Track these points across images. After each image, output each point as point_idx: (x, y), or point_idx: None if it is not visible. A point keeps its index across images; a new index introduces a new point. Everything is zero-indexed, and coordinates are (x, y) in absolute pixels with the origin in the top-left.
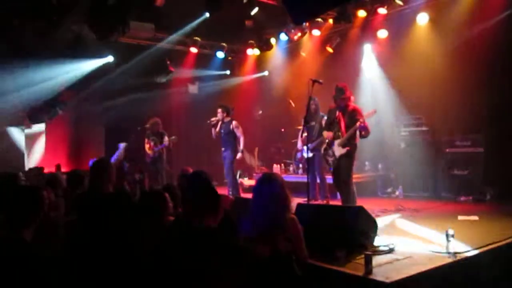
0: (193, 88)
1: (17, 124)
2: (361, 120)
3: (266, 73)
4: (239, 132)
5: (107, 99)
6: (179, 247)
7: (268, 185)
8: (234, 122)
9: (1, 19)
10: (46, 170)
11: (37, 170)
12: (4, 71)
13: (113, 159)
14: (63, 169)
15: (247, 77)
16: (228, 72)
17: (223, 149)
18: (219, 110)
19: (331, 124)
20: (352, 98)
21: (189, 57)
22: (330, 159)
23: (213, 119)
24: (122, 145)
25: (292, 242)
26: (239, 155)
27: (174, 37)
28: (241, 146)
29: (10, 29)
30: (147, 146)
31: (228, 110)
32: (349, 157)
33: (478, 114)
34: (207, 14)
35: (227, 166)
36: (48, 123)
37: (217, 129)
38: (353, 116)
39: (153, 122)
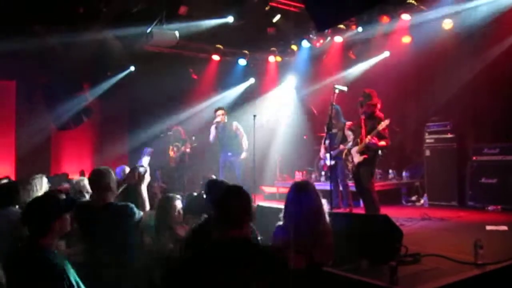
0: (216, 96)
1: (43, 129)
2: (369, 137)
3: (292, 79)
4: (241, 132)
5: (131, 106)
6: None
7: (307, 193)
8: (235, 123)
9: (24, 25)
10: (70, 176)
11: (63, 176)
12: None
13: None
14: (87, 175)
15: (269, 84)
16: (252, 80)
17: (229, 153)
18: (221, 112)
19: (356, 129)
20: (379, 105)
21: (212, 65)
22: (350, 165)
23: (216, 120)
24: (147, 150)
25: (325, 252)
26: (244, 154)
27: (197, 44)
28: (246, 146)
29: (33, 36)
30: (171, 153)
31: (227, 112)
32: (367, 165)
33: (507, 121)
34: (231, 18)
35: (239, 172)
36: (74, 130)
37: (216, 132)
38: (375, 124)
39: (175, 129)
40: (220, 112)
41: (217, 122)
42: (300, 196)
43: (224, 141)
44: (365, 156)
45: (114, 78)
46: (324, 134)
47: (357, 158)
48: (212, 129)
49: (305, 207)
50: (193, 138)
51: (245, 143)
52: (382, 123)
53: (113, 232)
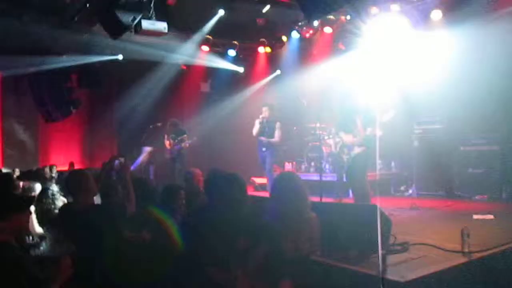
0: (205, 87)
1: (31, 121)
2: (369, 129)
3: (278, 72)
4: (278, 133)
5: (120, 97)
6: None
7: (291, 183)
8: (278, 123)
9: (11, 14)
10: (58, 168)
11: (50, 168)
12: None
13: (135, 164)
14: (77, 167)
15: (260, 77)
16: (242, 69)
17: (264, 149)
18: (266, 108)
19: (347, 124)
20: (366, 96)
21: (200, 55)
22: (345, 157)
23: (262, 117)
24: (146, 149)
25: (311, 241)
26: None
27: (196, 37)
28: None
29: (21, 25)
30: (167, 142)
31: (274, 109)
32: (364, 156)
33: (494, 112)
34: (222, 12)
35: (269, 168)
36: (62, 121)
37: (259, 128)
38: (369, 114)
39: (170, 122)
40: (265, 108)
41: (262, 118)
42: (286, 185)
43: (264, 136)
44: (363, 148)
45: (102, 68)
46: (314, 125)
47: (355, 150)
48: (256, 123)
49: (292, 196)
50: (195, 138)
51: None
52: (386, 115)
53: (101, 233)
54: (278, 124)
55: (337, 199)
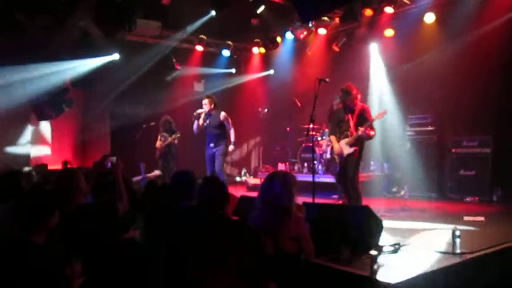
0: (199, 86)
1: (23, 120)
2: (361, 129)
3: (271, 71)
4: (229, 124)
5: (114, 96)
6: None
7: (271, 183)
8: (223, 114)
9: (5, 13)
10: (49, 167)
11: (42, 166)
12: (9, 66)
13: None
14: (69, 166)
15: (253, 75)
16: (233, 70)
17: (211, 144)
18: (206, 101)
19: (339, 124)
20: (359, 96)
21: (195, 55)
22: (337, 158)
23: (198, 111)
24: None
25: (298, 242)
26: (231, 147)
27: (180, 35)
28: (233, 139)
29: (13, 24)
30: (158, 143)
31: (215, 101)
32: (356, 156)
33: (486, 114)
34: (213, 12)
35: (220, 162)
36: (55, 120)
37: (201, 122)
38: (362, 115)
39: (163, 119)
40: (205, 101)
41: (199, 113)
42: (267, 185)
43: (208, 131)
44: (356, 147)
45: (96, 67)
46: (307, 126)
47: (347, 150)
48: (201, 118)
49: (271, 196)
50: (178, 134)
51: (232, 135)
52: (378, 114)
53: (91, 234)
54: (223, 115)
55: (338, 200)
